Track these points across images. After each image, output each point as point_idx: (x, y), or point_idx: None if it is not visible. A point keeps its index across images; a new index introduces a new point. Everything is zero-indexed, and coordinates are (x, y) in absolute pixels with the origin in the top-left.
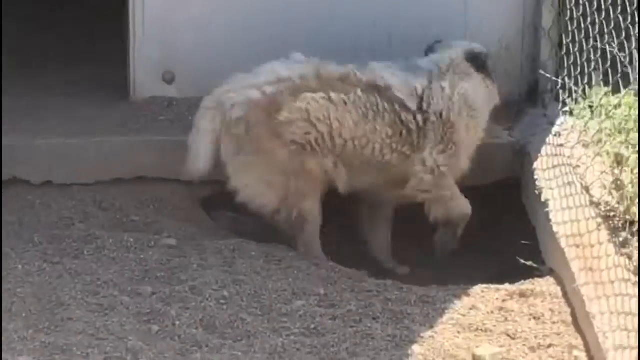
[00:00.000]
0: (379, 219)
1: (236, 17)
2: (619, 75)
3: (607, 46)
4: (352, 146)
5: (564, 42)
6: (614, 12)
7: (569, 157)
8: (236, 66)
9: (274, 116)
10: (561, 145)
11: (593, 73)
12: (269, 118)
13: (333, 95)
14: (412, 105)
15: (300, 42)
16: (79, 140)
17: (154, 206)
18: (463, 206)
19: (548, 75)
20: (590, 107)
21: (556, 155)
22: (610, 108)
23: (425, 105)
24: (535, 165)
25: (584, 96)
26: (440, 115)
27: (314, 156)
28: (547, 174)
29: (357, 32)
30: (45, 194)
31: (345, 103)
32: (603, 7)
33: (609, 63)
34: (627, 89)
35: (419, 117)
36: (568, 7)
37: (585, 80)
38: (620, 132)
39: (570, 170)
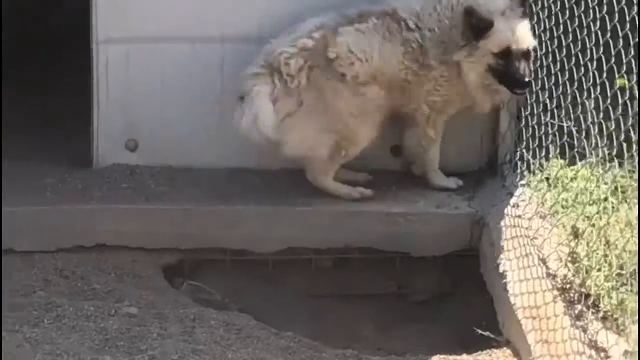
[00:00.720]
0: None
1: (199, 84)
2: (575, 150)
3: (564, 120)
4: (382, 67)
5: (523, 114)
6: (571, 86)
7: (526, 228)
8: (200, 133)
9: (326, 57)
10: (519, 216)
11: (550, 146)
12: (325, 61)
13: (359, 26)
14: (412, 23)
15: None
16: (40, 207)
17: (115, 274)
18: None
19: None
20: (547, 179)
21: (514, 226)
22: (566, 180)
23: (420, 24)
24: (494, 236)
25: (541, 168)
26: (433, 30)
27: (364, 85)
28: (505, 245)
29: None
30: (7, 262)
31: (368, 31)
32: (560, 81)
33: (565, 137)
34: (582, 162)
35: (417, 35)
36: None
37: (543, 153)
38: (576, 205)
39: (528, 242)
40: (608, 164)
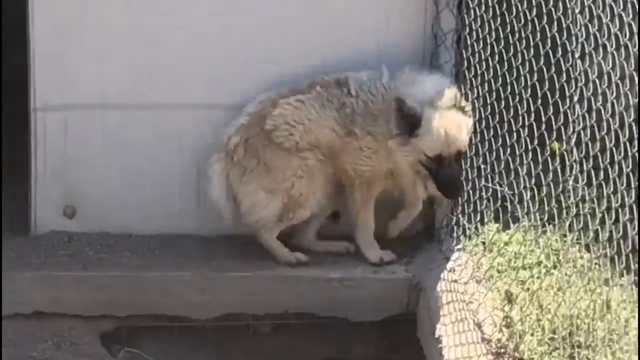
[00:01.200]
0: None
1: (137, 152)
2: (509, 214)
3: (497, 185)
4: (319, 135)
5: None
6: (504, 153)
7: (462, 293)
8: (139, 200)
9: (263, 128)
10: (455, 281)
11: (485, 210)
12: (261, 131)
13: (300, 96)
14: (353, 90)
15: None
16: None
17: (53, 341)
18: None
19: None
20: (483, 243)
21: (450, 291)
22: (501, 245)
23: (361, 92)
24: (431, 301)
25: (477, 233)
26: (367, 102)
27: (305, 151)
28: (441, 309)
29: None
30: None
31: (307, 100)
32: (494, 147)
33: (499, 201)
34: (515, 226)
35: (353, 101)
36: None
37: (478, 218)
38: (510, 269)
39: (464, 307)
40: (540, 229)
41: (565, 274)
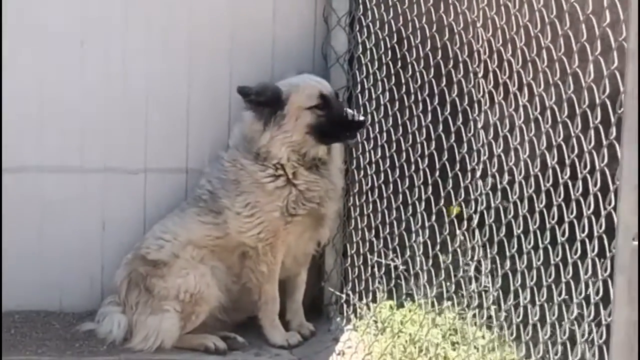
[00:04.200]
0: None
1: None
2: (404, 292)
3: (391, 262)
4: (191, 240)
5: (349, 252)
6: (398, 227)
7: None
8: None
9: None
10: None
11: (378, 288)
12: (142, 259)
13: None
14: (204, 181)
15: None
16: None
17: None
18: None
19: (331, 289)
20: (375, 322)
21: None
22: (394, 325)
23: (209, 178)
24: None
25: (369, 311)
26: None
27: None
28: None
29: None
30: None
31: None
32: (387, 220)
33: (393, 280)
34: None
35: (207, 187)
36: (352, 216)
37: (370, 295)
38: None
39: None
40: (437, 306)
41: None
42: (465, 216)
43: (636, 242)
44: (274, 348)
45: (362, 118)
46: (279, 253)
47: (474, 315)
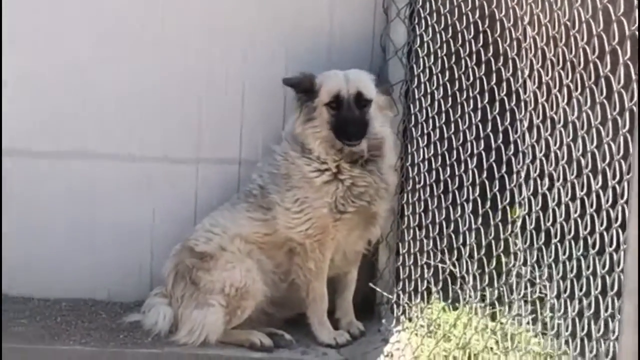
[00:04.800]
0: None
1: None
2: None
3: (441, 263)
4: (240, 234)
5: (400, 251)
6: (447, 228)
7: None
8: (43, 258)
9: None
10: None
11: (430, 287)
12: (189, 250)
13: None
14: (255, 176)
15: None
16: None
17: None
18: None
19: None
20: (428, 325)
21: None
22: (445, 327)
23: (261, 173)
24: None
25: (419, 313)
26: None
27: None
28: None
29: None
30: None
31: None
32: (437, 220)
33: (444, 279)
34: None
35: (258, 182)
36: (405, 214)
37: (419, 296)
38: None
39: None
40: (489, 309)
41: None
42: (519, 217)
43: None
44: (322, 347)
45: (353, 136)
46: (327, 250)
47: (529, 322)
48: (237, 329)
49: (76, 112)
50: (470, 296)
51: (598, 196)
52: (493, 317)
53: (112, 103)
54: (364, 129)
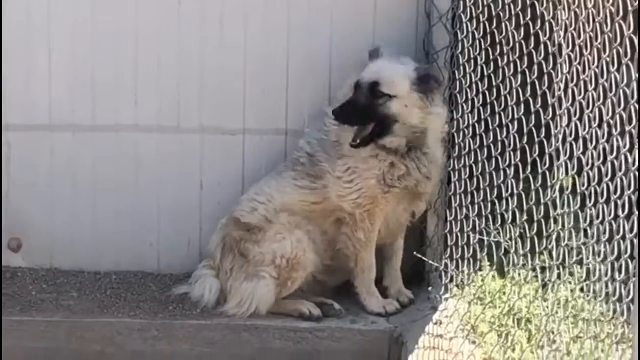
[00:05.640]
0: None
1: (91, 177)
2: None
3: (486, 232)
4: (286, 203)
5: (448, 218)
6: (491, 195)
7: (446, 350)
8: (92, 232)
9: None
10: (440, 335)
11: (476, 254)
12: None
13: (277, 170)
14: (302, 143)
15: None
16: None
17: None
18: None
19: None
20: (480, 293)
21: (434, 347)
22: (495, 295)
23: (309, 139)
24: (410, 358)
25: (467, 280)
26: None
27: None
28: None
29: None
30: None
31: (281, 171)
32: (481, 186)
33: (488, 245)
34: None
35: (307, 149)
36: (452, 180)
37: (466, 263)
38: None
39: None
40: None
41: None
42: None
43: None
44: (371, 315)
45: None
46: (376, 220)
47: (581, 289)
48: (286, 299)
49: (127, 84)
50: (515, 263)
51: None
52: (544, 285)
53: (163, 77)
54: (359, 115)
